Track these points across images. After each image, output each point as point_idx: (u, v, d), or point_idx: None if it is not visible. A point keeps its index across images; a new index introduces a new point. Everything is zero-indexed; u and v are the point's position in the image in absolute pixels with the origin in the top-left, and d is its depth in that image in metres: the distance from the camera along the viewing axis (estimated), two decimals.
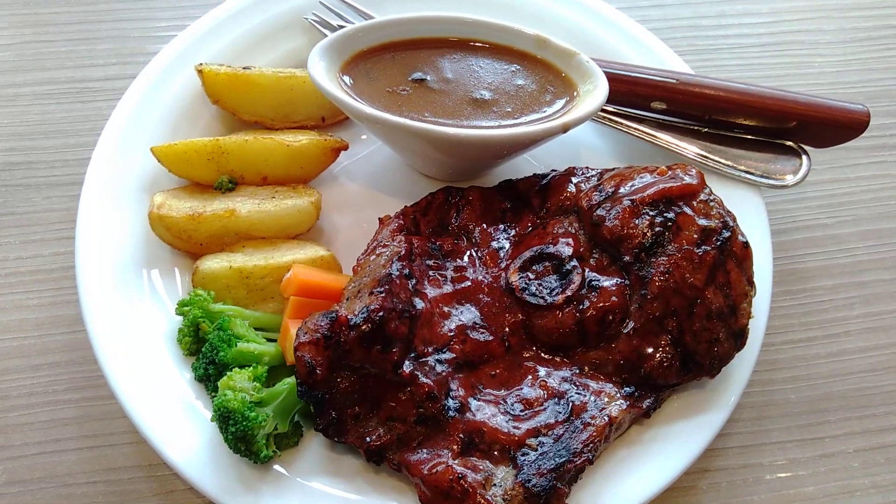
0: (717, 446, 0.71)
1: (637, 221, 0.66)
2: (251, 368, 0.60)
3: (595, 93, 0.72)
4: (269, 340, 0.66)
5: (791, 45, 0.99)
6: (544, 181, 0.73)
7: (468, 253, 0.70)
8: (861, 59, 0.99)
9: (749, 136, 0.78)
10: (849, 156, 0.90)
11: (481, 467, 0.59)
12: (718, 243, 0.64)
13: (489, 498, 0.57)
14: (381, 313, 0.60)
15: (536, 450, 0.59)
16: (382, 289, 0.62)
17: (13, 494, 0.65)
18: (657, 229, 0.65)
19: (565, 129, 0.70)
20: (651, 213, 0.66)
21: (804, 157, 0.77)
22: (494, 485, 0.58)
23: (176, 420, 0.61)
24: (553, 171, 0.74)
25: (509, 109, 0.72)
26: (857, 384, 0.76)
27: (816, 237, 0.84)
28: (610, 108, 0.79)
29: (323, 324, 0.59)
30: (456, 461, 0.58)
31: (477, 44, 0.76)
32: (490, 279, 0.69)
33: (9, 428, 0.67)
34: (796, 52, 0.99)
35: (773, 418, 0.73)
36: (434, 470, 0.58)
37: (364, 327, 0.59)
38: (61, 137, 0.82)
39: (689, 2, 1.00)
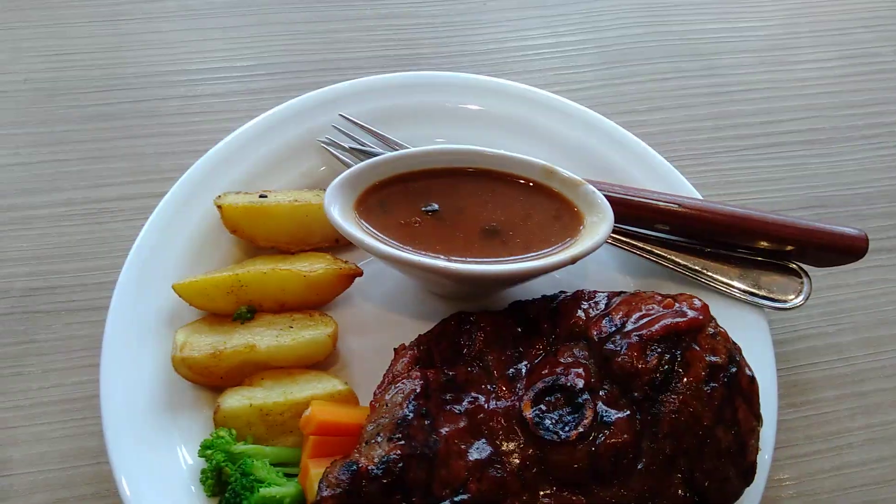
0: None
1: (646, 357, 0.68)
2: None
3: (601, 224, 0.74)
4: (289, 475, 0.67)
5: (786, 146, 1.02)
6: (553, 304, 0.75)
7: (483, 385, 0.72)
8: (856, 159, 1.02)
9: (750, 257, 0.80)
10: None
11: None
12: (726, 380, 0.66)
13: None
14: (400, 463, 0.61)
15: None
16: (401, 434, 0.64)
17: None
18: (666, 367, 0.67)
19: (574, 261, 0.72)
20: (659, 349, 0.67)
21: (805, 277, 0.79)
22: None
23: None
24: (562, 292, 0.76)
25: (518, 241, 0.74)
26: (860, 498, 0.77)
27: (817, 347, 0.86)
28: (616, 230, 0.82)
29: (344, 478, 0.61)
30: None
31: (486, 172, 0.78)
32: (503, 410, 0.70)
33: None
34: (791, 153, 1.01)
35: None
36: None
37: (384, 480, 0.61)
38: (79, 261, 0.83)
39: (685, 105, 1.03)
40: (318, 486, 0.61)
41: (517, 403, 0.71)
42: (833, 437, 0.81)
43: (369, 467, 0.61)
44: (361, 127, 0.86)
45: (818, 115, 1.05)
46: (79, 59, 0.97)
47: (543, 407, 0.70)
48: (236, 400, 0.69)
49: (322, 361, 0.75)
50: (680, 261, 0.81)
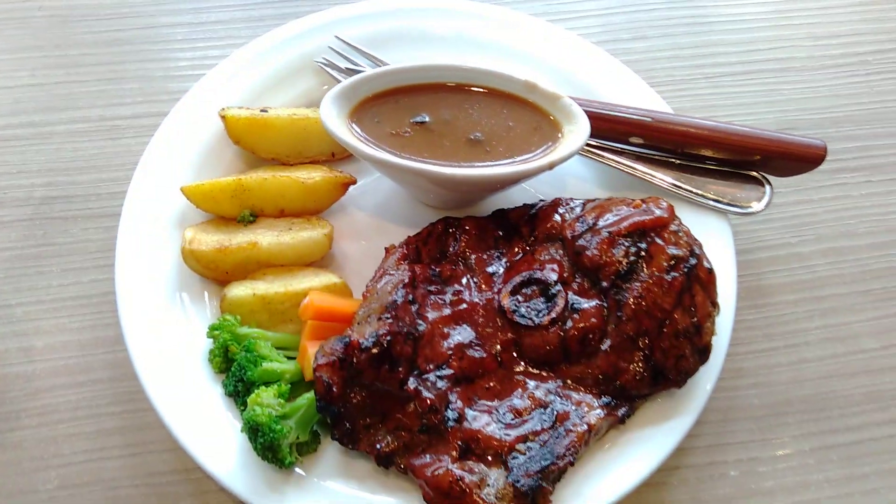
0: (686, 446, 0.79)
1: (614, 251, 0.74)
2: (275, 386, 0.68)
3: (577, 133, 0.80)
4: (289, 359, 0.75)
5: (762, 73, 1.07)
6: (532, 211, 0.82)
7: (465, 278, 0.79)
8: (828, 86, 1.07)
9: (717, 168, 0.86)
10: (812, 178, 0.97)
11: (476, 470, 0.67)
12: (686, 270, 0.73)
13: (483, 497, 0.65)
14: (388, 337, 0.69)
15: (525, 454, 0.68)
16: (389, 314, 0.71)
17: (64, 497, 0.73)
18: (632, 258, 0.73)
19: (551, 166, 0.78)
20: (626, 243, 0.74)
21: (768, 186, 0.85)
22: (488, 485, 0.66)
23: (209, 430, 0.70)
24: (541, 200, 0.83)
25: (501, 149, 0.80)
26: (814, 390, 0.84)
27: (779, 256, 0.92)
28: (592, 143, 0.87)
29: (338, 348, 0.68)
30: (455, 465, 0.67)
31: (472, 88, 0.84)
32: (484, 302, 0.77)
33: (58, 438, 0.76)
34: (766, 80, 1.06)
35: (737, 420, 0.82)
36: (436, 473, 0.66)
37: (374, 350, 0.68)
38: (94, 173, 0.90)
39: (669, 34, 1.08)
40: (315, 356, 0.68)
41: (496, 295, 0.78)
42: (791, 335, 0.87)
43: (360, 340, 0.68)
44: (356, 49, 0.92)
45: (794, 45, 1.10)
46: None
47: (520, 297, 0.77)
48: (241, 290, 0.76)
49: (319, 261, 0.82)
50: (651, 172, 0.86)
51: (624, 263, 0.73)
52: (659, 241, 0.74)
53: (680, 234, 0.75)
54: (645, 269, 0.73)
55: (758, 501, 0.78)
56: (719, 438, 0.81)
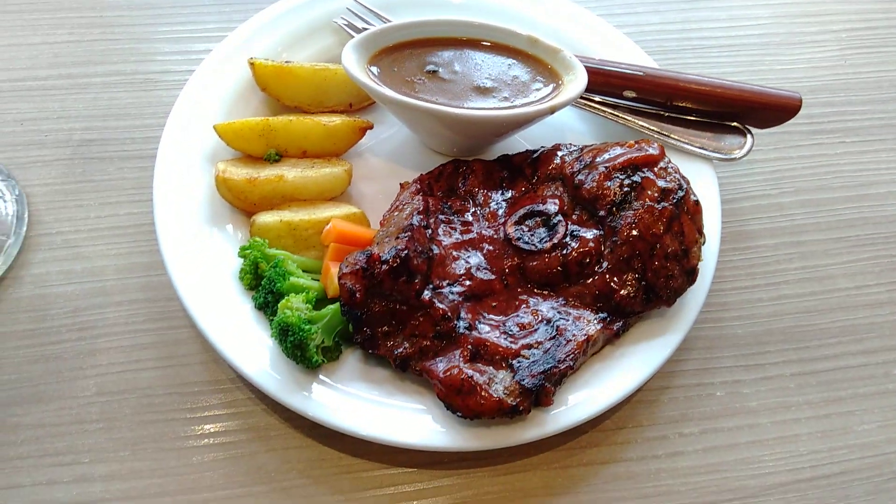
0: (675, 369, 0.86)
1: (609, 184, 0.82)
2: (304, 294, 0.75)
3: (576, 81, 0.88)
4: (313, 280, 0.81)
5: (746, 46, 1.16)
6: (535, 154, 0.89)
7: (473, 211, 0.86)
8: (805, 59, 1.16)
9: (703, 120, 0.94)
10: (791, 139, 1.06)
11: (485, 371, 0.74)
12: (674, 200, 0.80)
13: (492, 392, 0.72)
14: (405, 251, 0.76)
15: (529, 359, 0.75)
16: (406, 234, 0.78)
17: (102, 403, 0.79)
18: (625, 189, 0.81)
19: (552, 110, 0.86)
20: (620, 176, 0.82)
21: (749, 136, 0.93)
22: (496, 383, 0.73)
23: (241, 339, 0.76)
24: (542, 146, 0.90)
25: (506, 95, 0.88)
26: (793, 322, 0.91)
27: (762, 205, 1.00)
28: (588, 97, 0.95)
29: (361, 259, 0.75)
30: (466, 365, 0.74)
31: (480, 42, 0.92)
32: (491, 232, 0.85)
33: (96, 351, 0.82)
34: (750, 53, 1.15)
35: (723, 348, 0.88)
36: (449, 373, 0.73)
37: (392, 262, 0.74)
38: (129, 119, 0.97)
39: (658, 10, 1.17)
40: (340, 266, 0.75)
41: (502, 226, 0.85)
42: (771, 275, 0.94)
43: (381, 254, 0.75)
44: (372, 11, 1.00)
45: (774, 23, 1.19)
46: None
47: (524, 227, 0.84)
48: (269, 217, 0.83)
49: (339, 197, 0.89)
50: (643, 123, 0.94)
51: (618, 194, 0.81)
52: (650, 175, 0.81)
53: (669, 169, 0.82)
54: (637, 200, 0.80)
55: (743, 419, 0.84)
56: (706, 364, 0.88)
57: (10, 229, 0.84)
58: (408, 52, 0.91)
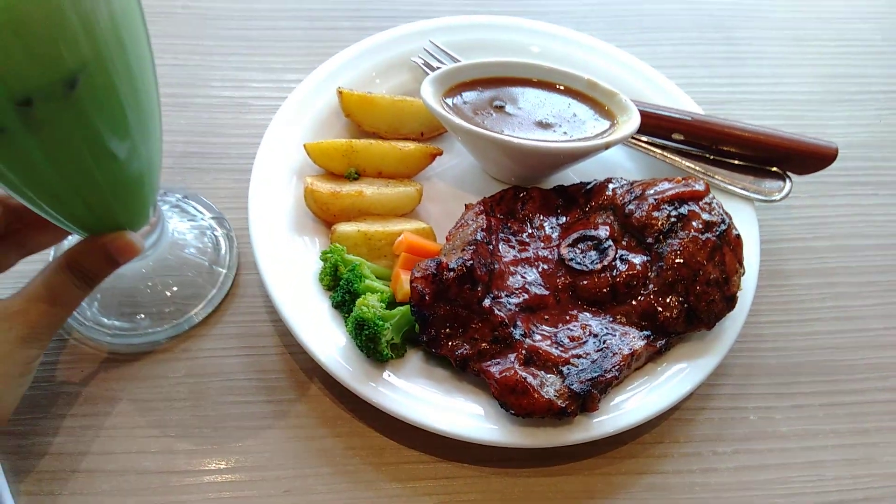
0: (712, 392, 0.92)
1: (657, 214, 0.90)
2: (378, 294, 0.84)
3: (630, 122, 0.97)
4: (384, 285, 0.90)
5: (789, 102, 1.24)
6: (589, 186, 0.98)
7: (530, 233, 0.95)
8: (844, 116, 1.23)
9: (745, 164, 1.02)
10: (828, 189, 1.13)
11: (538, 375, 0.82)
12: (717, 232, 0.88)
13: (543, 393, 0.79)
14: (470, 262, 0.84)
15: (577, 367, 0.82)
16: (471, 248, 0.86)
17: (191, 384, 0.88)
18: (672, 220, 0.89)
19: (607, 146, 0.95)
20: (668, 208, 0.90)
21: (788, 181, 1.01)
22: (547, 386, 0.80)
23: (319, 332, 0.85)
24: (595, 180, 0.99)
25: (565, 131, 0.98)
26: (824, 357, 0.97)
27: (798, 247, 1.07)
28: (640, 137, 1.04)
29: (431, 265, 0.84)
30: (520, 368, 0.81)
31: (543, 83, 1.02)
32: (546, 252, 0.93)
33: (188, 339, 0.91)
34: (792, 108, 1.23)
35: (757, 376, 0.95)
36: (504, 374, 0.81)
37: (459, 270, 0.83)
38: (225, 137, 1.08)
39: (707, 65, 1.26)
40: (412, 272, 0.84)
41: (556, 248, 0.93)
42: (805, 311, 1.01)
43: (448, 263, 0.84)
44: (446, 53, 1.11)
45: (815, 81, 1.27)
46: None
47: (577, 250, 0.92)
48: (348, 226, 0.93)
49: (409, 213, 0.98)
50: (689, 164, 1.03)
51: (665, 224, 0.89)
52: (696, 208, 0.89)
53: (713, 204, 0.90)
54: (683, 230, 0.88)
55: (773, 443, 0.90)
56: (741, 389, 0.94)
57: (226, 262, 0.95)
58: (479, 88, 1.01)
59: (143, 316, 0.89)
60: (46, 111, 0.54)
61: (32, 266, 0.82)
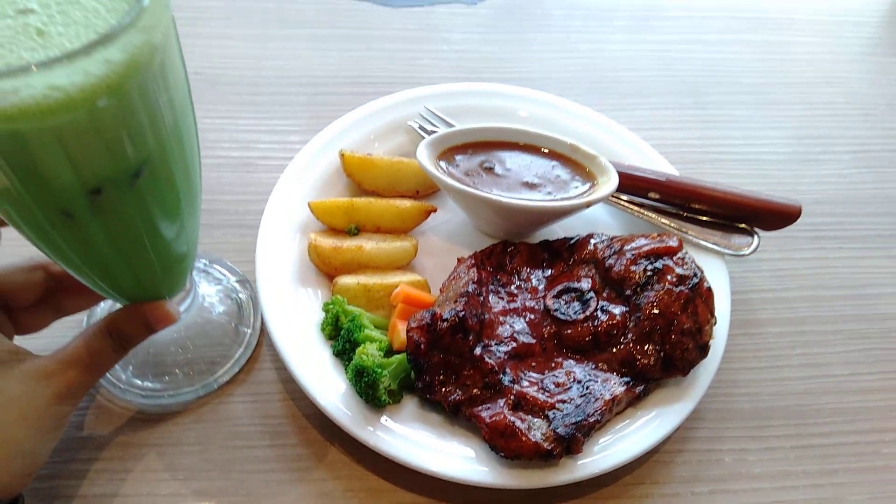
0: (688, 435, 0.98)
1: (635, 268, 0.97)
2: (377, 343, 0.90)
3: (609, 183, 1.05)
4: (381, 334, 0.97)
5: (758, 161, 1.33)
6: (571, 241, 1.06)
7: (517, 285, 1.02)
8: (811, 174, 1.32)
9: (716, 220, 1.10)
10: (796, 243, 1.21)
11: (526, 419, 0.87)
12: (690, 285, 0.95)
13: (531, 436, 0.85)
14: (462, 313, 0.91)
15: (562, 411, 0.88)
16: (463, 299, 0.93)
17: (199, 428, 0.93)
18: (648, 274, 0.96)
19: (588, 205, 1.03)
20: (645, 262, 0.97)
21: (756, 237, 1.09)
22: (534, 429, 0.86)
23: (322, 379, 0.91)
24: (578, 235, 1.07)
25: (549, 191, 1.06)
26: (794, 402, 1.03)
27: (768, 297, 1.14)
28: (619, 195, 1.13)
29: (426, 316, 0.90)
30: (509, 413, 0.87)
31: (530, 146, 1.11)
32: (533, 303, 1.00)
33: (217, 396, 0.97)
34: (762, 167, 1.32)
35: (731, 420, 1.00)
36: (494, 418, 0.87)
37: (452, 320, 0.90)
38: (233, 195, 1.16)
39: (681, 128, 1.35)
40: (409, 322, 0.91)
41: (542, 299, 1.00)
42: (775, 358, 1.07)
43: (442, 313, 0.91)
44: (439, 117, 1.20)
45: (783, 142, 1.36)
46: (233, 63, 1.33)
47: (561, 301, 0.99)
48: (348, 279, 0.99)
49: (405, 267, 1.05)
50: (664, 220, 1.11)
51: (642, 277, 0.96)
52: (670, 262, 0.97)
53: (686, 259, 0.98)
54: (658, 283, 0.96)
55: (747, 483, 0.95)
56: (716, 432, 1.00)
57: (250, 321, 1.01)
58: (470, 151, 1.09)
59: (174, 377, 0.95)
60: (112, 198, 0.60)
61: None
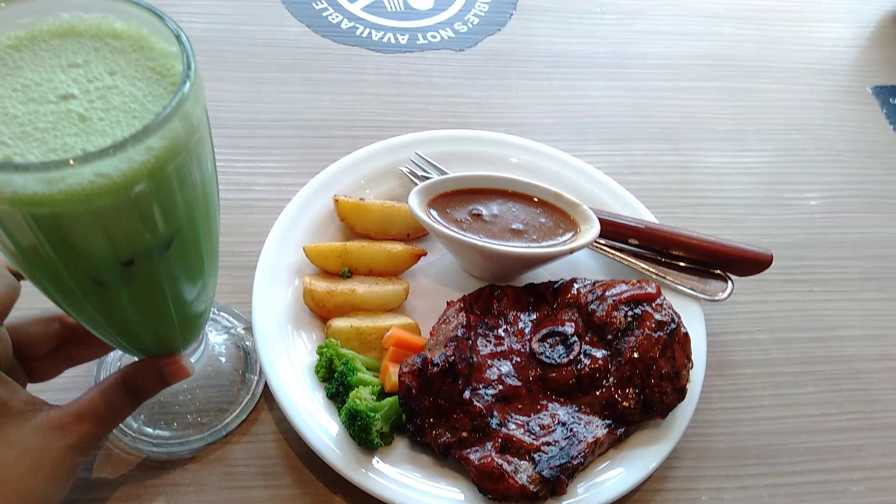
0: (668, 474, 1.02)
1: (616, 314, 1.02)
2: (370, 387, 0.94)
3: (591, 230, 1.10)
4: (374, 376, 1.00)
5: (731, 206, 1.39)
6: (556, 285, 1.10)
7: (504, 328, 1.06)
8: (782, 219, 1.38)
9: (692, 266, 1.16)
10: (769, 286, 1.26)
11: (512, 461, 0.91)
12: (668, 331, 1.00)
13: (517, 479, 0.89)
14: (452, 358, 0.95)
15: (547, 454, 0.92)
16: (453, 343, 0.97)
17: (194, 469, 0.96)
18: (629, 319, 1.01)
19: (571, 251, 1.08)
20: (625, 308, 1.02)
21: (730, 282, 1.14)
22: (521, 472, 0.90)
23: (315, 421, 0.94)
24: (562, 279, 1.12)
25: (535, 237, 1.11)
26: (767, 441, 1.08)
27: (742, 339, 1.19)
28: (600, 241, 1.18)
29: (417, 361, 0.94)
30: (496, 456, 0.91)
31: (516, 193, 1.16)
32: (519, 346, 1.04)
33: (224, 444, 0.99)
34: (735, 211, 1.38)
35: (708, 459, 1.05)
36: (482, 461, 0.90)
37: (442, 366, 0.94)
38: (230, 237, 1.18)
39: (658, 173, 1.41)
40: (400, 366, 0.94)
41: (528, 342, 1.05)
42: (749, 399, 1.12)
43: (433, 358, 0.95)
44: (429, 163, 1.24)
45: (756, 187, 1.43)
46: (229, 106, 1.37)
47: (546, 344, 1.03)
48: (342, 322, 1.03)
49: (397, 309, 1.09)
50: (644, 265, 1.16)
51: (623, 323, 1.01)
52: (649, 309, 1.02)
53: (664, 305, 1.03)
54: (638, 329, 1.00)
55: None
56: (693, 472, 1.04)
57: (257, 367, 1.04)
58: (458, 197, 1.14)
59: (184, 425, 0.97)
60: (143, 267, 0.64)
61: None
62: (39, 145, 0.56)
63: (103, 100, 0.59)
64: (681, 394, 0.99)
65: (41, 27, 0.62)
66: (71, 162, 0.51)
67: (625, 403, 0.97)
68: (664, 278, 1.15)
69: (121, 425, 0.95)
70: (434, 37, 1.56)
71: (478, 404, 0.94)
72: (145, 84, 0.61)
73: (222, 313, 1.09)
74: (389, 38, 1.54)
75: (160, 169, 0.57)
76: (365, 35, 1.54)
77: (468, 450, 0.92)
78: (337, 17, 1.56)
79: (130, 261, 0.62)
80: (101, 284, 0.64)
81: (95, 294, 0.65)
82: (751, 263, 1.13)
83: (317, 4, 1.58)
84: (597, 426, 0.96)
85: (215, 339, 1.05)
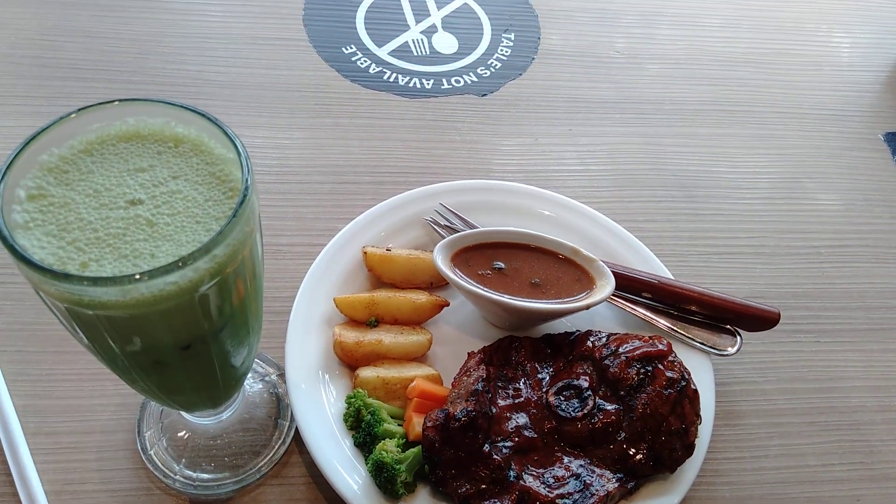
0: None
1: (629, 370, 1.08)
2: (395, 440, 1.00)
3: (607, 286, 1.16)
4: (398, 425, 1.07)
5: (742, 255, 1.44)
6: (571, 337, 1.16)
7: (522, 380, 1.12)
8: (790, 268, 1.43)
9: (703, 321, 1.21)
10: (776, 336, 1.31)
11: None
12: (678, 388, 1.06)
13: None
14: (473, 413, 1.01)
15: None
16: (473, 398, 1.03)
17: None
18: (641, 376, 1.07)
19: (588, 307, 1.13)
20: (637, 365, 1.08)
21: (739, 337, 1.20)
22: None
23: (343, 467, 1.01)
24: (577, 330, 1.17)
25: (553, 292, 1.16)
26: (770, 491, 1.13)
27: (749, 390, 1.25)
28: (616, 294, 1.23)
29: (440, 416, 1.00)
30: None
31: (535, 247, 1.22)
32: (536, 398, 1.10)
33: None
34: (745, 260, 1.43)
35: None
36: None
37: (464, 420, 1.00)
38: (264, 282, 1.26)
39: (671, 220, 1.47)
40: (424, 421, 1.01)
41: (544, 394, 1.11)
42: (755, 449, 1.18)
43: (455, 413, 1.01)
44: (452, 212, 1.30)
45: (766, 237, 1.47)
46: (262, 152, 1.44)
47: (561, 397, 1.09)
48: (369, 372, 1.09)
49: (421, 357, 1.16)
50: (656, 318, 1.22)
51: (635, 379, 1.06)
52: (660, 366, 1.07)
53: (675, 362, 1.08)
54: (650, 385, 1.06)
55: None
56: None
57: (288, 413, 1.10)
58: (481, 251, 1.20)
59: (221, 468, 1.04)
60: (197, 349, 0.71)
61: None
62: (112, 251, 0.62)
63: (168, 205, 0.65)
64: (689, 449, 1.04)
65: (110, 132, 0.69)
66: (144, 277, 0.58)
67: (636, 458, 1.03)
68: (676, 332, 1.20)
69: (163, 468, 1.02)
70: (458, 81, 1.62)
71: (496, 457, 1.00)
72: (206, 188, 0.67)
73: (257, 360, 1.16)
74: (415, 83, 1.60)
75: (221, 271, 0.63)
76: (392, 80, 1.60)
77: (487, 501, 0.98)
78: (365, 61, 1.63)
79: (188, 345, 0.69)
80: (160, 363, 0.70)
81: (154, 371, 0.72)
82: (759, 321, 1.18)
83: (346, 49, 1.64)
84: (608, 479, 1.02)
85: (251, 386, 1.12)
